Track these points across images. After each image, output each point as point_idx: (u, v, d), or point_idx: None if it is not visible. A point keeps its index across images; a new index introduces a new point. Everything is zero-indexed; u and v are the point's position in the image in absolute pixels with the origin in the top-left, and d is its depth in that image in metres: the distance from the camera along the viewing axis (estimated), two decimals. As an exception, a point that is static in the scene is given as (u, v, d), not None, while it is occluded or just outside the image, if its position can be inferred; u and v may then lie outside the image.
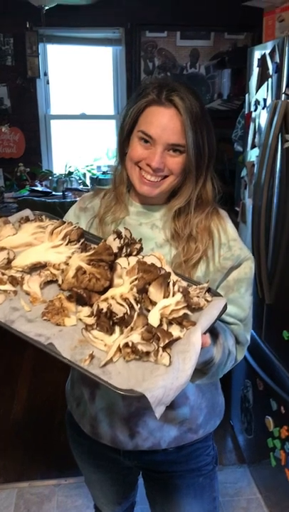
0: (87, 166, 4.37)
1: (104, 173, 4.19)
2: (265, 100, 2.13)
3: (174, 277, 0.94)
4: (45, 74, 4.09)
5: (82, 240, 1.02)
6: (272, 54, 2.03)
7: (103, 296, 0.90)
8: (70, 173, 4.25)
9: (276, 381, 2.07)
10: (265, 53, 2.10)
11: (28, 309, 0.91)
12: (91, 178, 4.24)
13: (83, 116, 4.41)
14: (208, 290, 1.00)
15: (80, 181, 4.29)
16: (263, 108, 2.15)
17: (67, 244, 1.00)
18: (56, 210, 3.35)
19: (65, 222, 1.05)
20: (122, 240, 0.99)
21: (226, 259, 1.15)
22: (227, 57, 4.17)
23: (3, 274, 0.96)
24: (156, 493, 1.36)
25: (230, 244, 1.15)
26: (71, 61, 4.31)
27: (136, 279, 0.91)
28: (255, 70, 2.24)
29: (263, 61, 2.14)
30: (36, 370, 3.30)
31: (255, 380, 2.29)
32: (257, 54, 2.23)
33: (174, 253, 1.15)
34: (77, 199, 4.01)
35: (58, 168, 4.37)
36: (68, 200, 3.77)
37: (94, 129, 4.46)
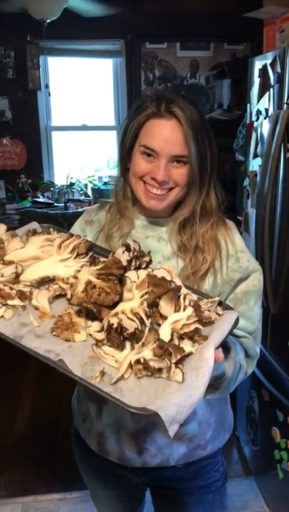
0: (88, 177, 4.39)
1: (105, 183, 4.20)
2: (266, 110, 2.13)
3: (184, 291, 0.93)
4: (47, 86, 4.12)
5: (90, 253, 1.01)
6: (273, 64, 2.04)
7: (113, 311, 0.89)
8: (72, 184, 4.26)
9: (282, 392, 2.05)
10: (266, 63, 2.11)
11: (36, 325, 0.90)
12: (93, 189, 4.24)
13: (84, 128, 4.43)
14: (220, 303, 0.99)
15: (81, 192, 4.30)
16: (265, 118, 2.15)
17: (75, 258, 0.99)
18: (58, 221, 3.35)
19: (73, 235, 1.04)
20: (131, 253, 0.98)
21: (233, 271, 1.13)
22: (227, 67, 4.19)
23: (11, 288, 0.94)
24: (166, 510, 1.34)
25: (237, 256, 1.14)
26: (72, 73, 4.34)
27: (146, 293, 0.89)
28: (256, 80, 2.25)
29: (264, 71, 2.15)
30: (40, 381, 3.28)
31: (260, 391, 2.28)
32: (258, 64, 2.23)
33: (181, 265, 1.14)
34: (80, 210, 3.99)
35: (60, 179, 4.38)
36: (70, 211, 3.78)
37: (95, 140, 4.47)
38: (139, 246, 1.04)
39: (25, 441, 2.78)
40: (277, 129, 1.93)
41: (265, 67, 2.13)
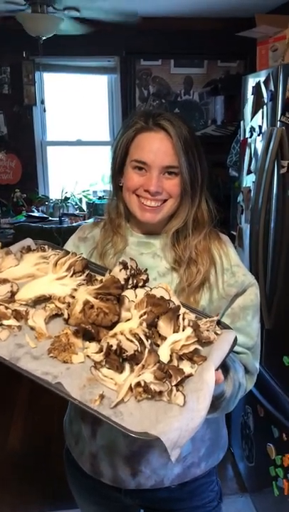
0: (83, 192, 4.40)
1: (100, 198, 4.21)
2: (260, 127, 2.16)
3: (182, 310, 0.93)
4: (42, 102, 4.15)
5: (87, 272, 1.00)
6: (266, 82, 2.07)
7: (112, 332, 0.87)
8: (67, 198, 4.27)
9: (277, 408, 2.04)
10: (259, 81, 2.14)
11: (33, 346, 0.88)
12: (87, 203, 4.26)
13: (79, 143, 4.45)
14: (218, 323, 0.98)
15: (76, 206, 4.31)
16: (259, 135, 2.18)
17: (72, 276, 0.98)
18: (53, 236, 3.36)
19: (68, 253, 1.04)
20: (128, 271, 0.98)
21: (230, 285, 1.13)
22: (220, 84, 4.25)
23: (6, 308, 0.93)
24: None
25: (233, 270, 1.15)
26: (67, 89, 4.37)
27: (145, 313, 0.88)
28: (250, 98, 2.28)
29: (257, 89, 2.18)
30: (32, 398, 3.25)
31: (255, 407, 2.27)
32: (251, 82, 2.27)
33: (177, 281, 1.14)
34: (74, 224, 3.98)
35: (55, 194, 4.39)
36: (65, 225, 3.78)
37: (90, 155, 4.49)
38: (136, 264, 1.03)
39: (18, 459, 2.74)
40: (270, 146, 1.96)
41: (258, 84, 2.16)
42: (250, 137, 2.30)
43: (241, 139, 2.46)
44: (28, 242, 1.14)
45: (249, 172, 2.32)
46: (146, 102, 4.22)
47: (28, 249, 1.09)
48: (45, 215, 4.06)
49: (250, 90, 2.28)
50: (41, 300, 0.96)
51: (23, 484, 2.55)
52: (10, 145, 4.15)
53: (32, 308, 0.95)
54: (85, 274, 0.98)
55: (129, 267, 0.99)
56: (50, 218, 4.00)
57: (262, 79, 2.11)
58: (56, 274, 0.98)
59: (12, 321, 0.91)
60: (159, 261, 1.17)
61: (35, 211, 4.14)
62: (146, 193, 1.10)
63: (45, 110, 4.21)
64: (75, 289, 0.94)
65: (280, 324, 2.07)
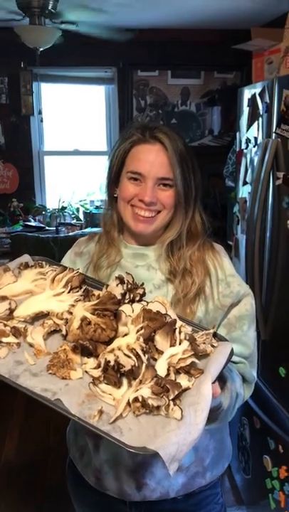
0: (80, 201, 4.41)
1: (97, 207, 4.22)
2: (256, 139, 2.17)
3: (179, 323, 0.93)
4: (40, 112, 4.17)
5: (84, 287, 1.01)
6: (262, 94, 2.08)
7: (109, 347, 0.88)
8: (64, 208, 4.27)
9: (273, 419, 2.03)
10: (255, 93, 2.16)
11: (32, 362, 0.89)
12: (84, 213, 4.26)
13: (76, 153, 4.46)
14: (214, 335, 0.99)
15: (73, 216, 4.31)
16: (254, 146, 2.19)
17: (69, 292, 0.99)
18: (49, 245, 3.36)
19: (66, 269, 1.05)
20: (125, 286, 0.99)
21: (225, 296, 1.15)
22: (217, 95, 4.27)
23: (5, 325, 0.94)
24: None
25: (228, 281, 1.16)
26: (65, 99, 4.39)
27: (142, 328, 0.89)
28: (246, 110, 2.29)
29: (253, 101, 2.19)
30: (28, 409, 3.22)
31: (251, 418, 2.26)
32: (247, 93, 2.28)
33: (172, 293, 1.15)
34: (71, 234, 3.97)
35: (52, 203, 4.40)
36: (62, 234, 3.78)
37: (87, 165, 4.51)
38: (133, 278, 1.04)
39: (13, 470, 2.72)
40: (266, 158, 1.97)
41: (254, 96, 2.17)
42: (246, 148, 2.31)
43: (237, 150, 2.47)
44: (25, 258, 1.15)
45: (245, 183, 2.33)
46: (143, 113, 4.24)
47: (26, 266, 1.10)
48: (42, 225, 4.06)
49: (245, 102, 2.29)
50: (39, 316, 0.97)
51: (19, 496, 2.53)
52: (7, 155, 4.16)
53: (30, 324, 0.96)
54: (82, 290, 0.99)
55: (126, 282, 1.00)
56: (46, 228, 4.00)
57: (257, 91, 2.13)
58: (54, 290, 0.99)
59: (11, 338, 0.92)
60: (154, 273, 1.18)
61: (32, 221, 4.14)
62: (140, 202, 1.12)
63: (42, 121, 4.23)
64: (73, 305, 0.95)
65: (276, 335, 2.06)
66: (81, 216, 4.32)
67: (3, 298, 0.98)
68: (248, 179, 2.29)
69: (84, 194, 4.48)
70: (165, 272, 1.16)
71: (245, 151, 2.33)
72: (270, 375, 2.08)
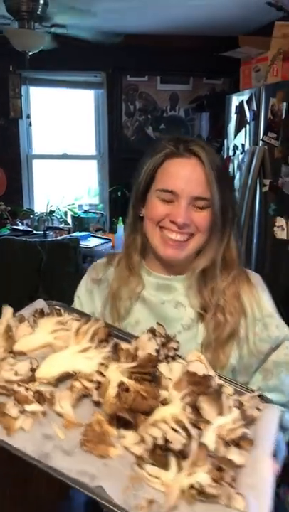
0: (68, 205, 4.40)
1: (85, 211, 4.21)
2: (243, 145, 2.19)
3: (226, 390, 0.82)
4: (28, 116, 4.15)
5: (112, 342, 0.88)
6: (249, 102, 2.11)
7: (151, 419, 0.75)
8: (52, 211, 4.26)
9: None
10: (242, 100, 2.18)
11: (62, 437, 0.75)
12: (72, 217, 4.25)
13: (65, 157, 4.46)
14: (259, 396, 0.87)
15: (61, 220, 4.30)
16: (242, 153, 2.21)
17: (96, 347, 0.86)
18: (36, 249, 3.33)
19: (88, 317, 0.93)
20: (158, 340, 0.86)
21: (262, 340, 1.02)
22: (205, 100, 4.30)
23: (27, 389, 0.79)
24: None
25: (265, 322, 1.02)
26: (54, 102, 4.39)
27: (186, 395, 0.77)
28: (233, 117, 2.32)
29: (240, 108, 2.22)
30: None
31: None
32: (235, 100, 2.31)
33: (203, 334, 1.02)
34: (59, 238, 3.90)
35: (40, 207, 4.38)
36: (49, 238, 3.76)
37: (75, 169, 4.50)
38: (164, 329, 0.91)
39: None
40: (252, 165, 1.99)
41: (241, 104, 2.20)
42: (234, 155, 2.33)
43: (225, 156, 2.49)
44: (40, 304, 1.02)
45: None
46: (132, 117, 4.25)
47: (42, 314, 0.97)
48: (29, 229, 4.04)
49: (233, 109, 2.32)
50: (64, 377, 0.84)
51: None
52: (-5, 158, 4.14)
53: (54, 387, 0.82)
54: (110, 345, 0.86)
55: (158, 334, 0.87)
56: (34, 232, 3.98)
57: (245, 98, 2.16)
58: (79, 345, 0.86)
59: (35, 406, 0.78)
60: (184, 311, 1.04)
61: (20, 224, 4.11)
62: (172, 224, 0.98)
63: (30, 125, 4.21)
64: (102, 363, 0.82)
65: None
66: (69, 220, 4.31)
67: (21, 353, 0.86)
68: (235, 185, 2.31)
69: (72, 198, 4.47)
70: (196, 306, 1.03)
71: (232, 157, 2.35)
72: None
